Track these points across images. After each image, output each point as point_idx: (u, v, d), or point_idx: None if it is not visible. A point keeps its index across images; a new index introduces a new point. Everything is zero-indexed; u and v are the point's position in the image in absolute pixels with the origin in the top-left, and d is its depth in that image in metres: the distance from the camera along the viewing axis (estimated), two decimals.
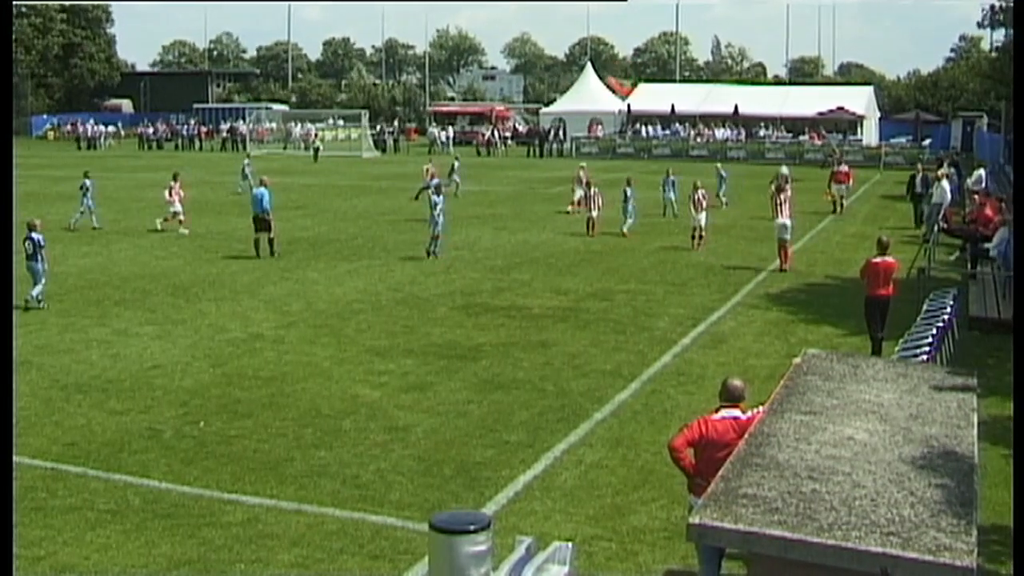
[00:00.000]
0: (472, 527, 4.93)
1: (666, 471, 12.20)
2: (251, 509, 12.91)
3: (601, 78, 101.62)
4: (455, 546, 4.89)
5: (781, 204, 30.96)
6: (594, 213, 37.19)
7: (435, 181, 36.26)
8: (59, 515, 12.76)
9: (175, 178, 39.24)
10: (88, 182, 38.93)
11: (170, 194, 38.32)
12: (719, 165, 46.15)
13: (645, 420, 16.36)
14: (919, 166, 40.11)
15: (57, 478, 13.97)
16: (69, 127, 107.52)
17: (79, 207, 38.57)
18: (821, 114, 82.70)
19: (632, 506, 12.99)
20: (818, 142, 78.53)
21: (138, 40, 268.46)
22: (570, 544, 5.22)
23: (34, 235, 24.60)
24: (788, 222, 30.38)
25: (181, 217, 38.15)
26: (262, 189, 33.00)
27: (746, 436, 8.70)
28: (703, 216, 34.20)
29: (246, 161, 54.25)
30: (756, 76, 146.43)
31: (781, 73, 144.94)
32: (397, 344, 21.10)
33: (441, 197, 32.44)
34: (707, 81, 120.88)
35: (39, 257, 24.62)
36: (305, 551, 11.72)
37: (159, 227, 37.84)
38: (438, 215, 31.71)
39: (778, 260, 30.25)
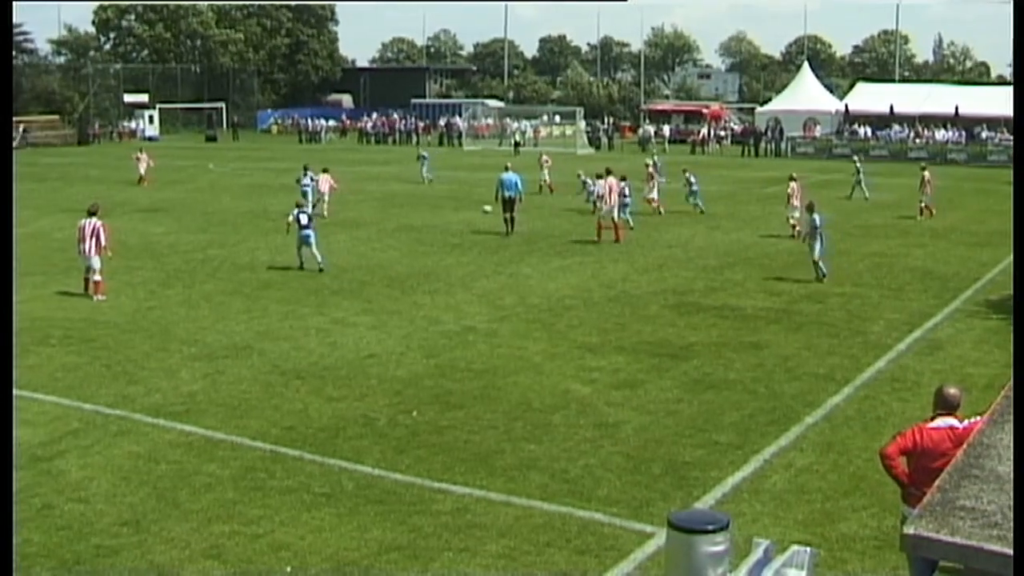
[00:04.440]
0: (711, 527, 4.92)
1: (878, 478, 11.97)
2: (460, 499, 13.11)
3: (819, 77, 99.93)
4: (693, 545, 4.88)
5: (609, 194, 34.75)
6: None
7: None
8: (277, 496, 13.17)
9: (325, 171, 42.11)
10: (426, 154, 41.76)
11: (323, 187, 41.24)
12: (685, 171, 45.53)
13: (858, 426, 16.08)
14: None
15: (276, 460, 14.42)
16: (291, 121, 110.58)
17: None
18: None
19: (842, 513, 12.79)
20: None
21: (359, 38, 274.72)
22: (809, 549, 5.17)
23: (304, 210, 30.11)
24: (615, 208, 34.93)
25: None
26: (512, 174, 36.65)
27: (964, 446, 8.45)
28: (796, 211, 35.40)
29: (424, 154, 57.65)
30: (979, 76, 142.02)
31: (1005, 73, 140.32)
32: (608, 341, 21.15)
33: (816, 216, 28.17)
34: (927, 81, 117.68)
35: (309, 226, 29.20)
36: (512, 542, 11.85)
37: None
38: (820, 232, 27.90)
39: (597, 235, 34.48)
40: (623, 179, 36.58)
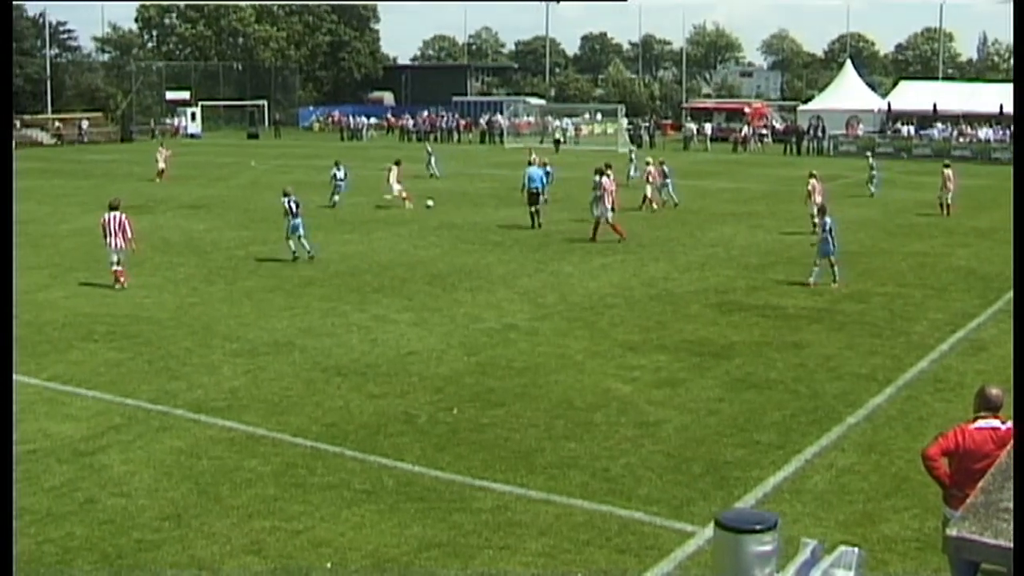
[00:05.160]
0: (759, 527, 4.90)
1: (920, 479, 11.89)
2: (501, 496, 13.12)
3: (861, 75, 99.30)
4: (741, 545, 4.86)
5: (603, 196, 34.19)
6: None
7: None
8: (317, 492, 13.22)
9: (398, 163, 44.37)
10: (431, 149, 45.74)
11: (392, 178, 43.40)
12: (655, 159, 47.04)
13: (900, 426, 15.98)
14: None
15: (316, 456, 14.47)
16: (332, 119, 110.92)
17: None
18: None
19: (884, 514, 12.72)
20: None
21: (400, 35, 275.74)
22: (857, 549, 5.13)
23: (293, 198, 30.02)
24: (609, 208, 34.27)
25: (404, 195, 42.44)
26: (537, 168, 38.55)
27: (1008, 447, 8.41)
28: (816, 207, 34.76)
29: (429, 149, 60.33)
30: None
31: None
32: (650, 339, 21.11)
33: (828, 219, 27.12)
34: (971, 79, 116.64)
35: (298, 214, 29.82)
36: (553, 541, 11.85)
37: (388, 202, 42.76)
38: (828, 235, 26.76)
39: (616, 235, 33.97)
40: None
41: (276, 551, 11.59)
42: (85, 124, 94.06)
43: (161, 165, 55.70)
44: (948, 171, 42.97)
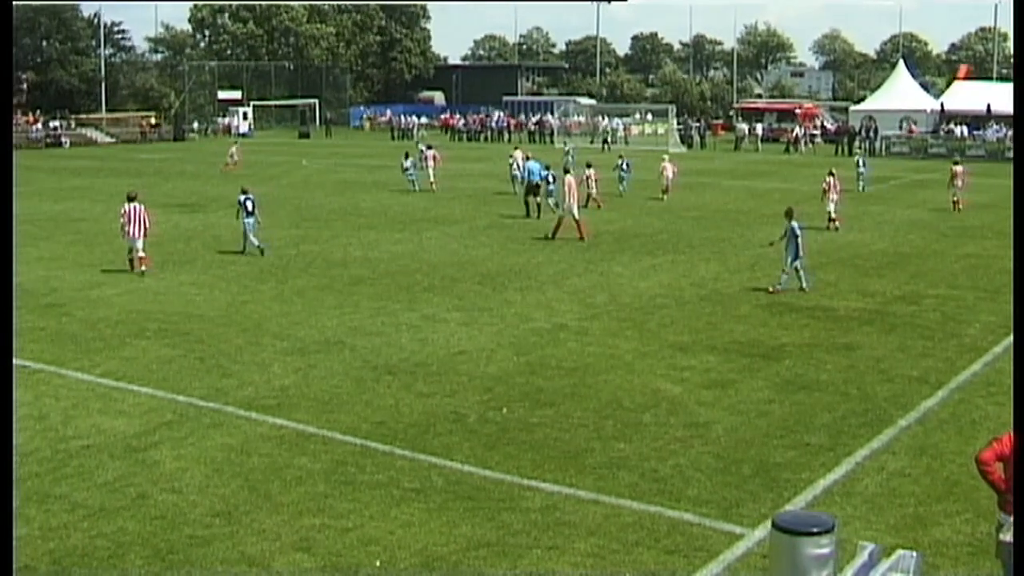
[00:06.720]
0: (815, 529, 4.87)
1: (972, 483, 11.80)
2: (550, 496, 13.12)
3: (914, 76, 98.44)
4: (798, 547, 4.83)
5: (569, 192, 34.53)
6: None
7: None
8: (367, 490, 13.27)
9: (429, 147, 51.64)
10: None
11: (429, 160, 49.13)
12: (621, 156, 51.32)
13: (952, 430, 15.86)
14: None
15: (366, 454, 14.52)
16: (382, 118, 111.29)
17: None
18: None
19: (935, 518, 12.62)
20: None
21: (451, 35, 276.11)
22: (915, 553, 5.08)
23: (250, 196, 31.21)
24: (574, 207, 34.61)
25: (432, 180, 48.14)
26: (535, 163, 41.64)
27: None
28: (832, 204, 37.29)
29: (423, 147, 60.98)
30: None
31: None
32: (700, 340, 21.05)
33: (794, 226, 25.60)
34: None
35: (253, 213, 31.09)
36: (601, 541, 11.83)
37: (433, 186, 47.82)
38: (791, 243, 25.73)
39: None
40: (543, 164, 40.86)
41: (325, 548, 11.64)
42: (185, 130, 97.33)
43: (237, 158, 60.49)
44: (957, 168, 44.06)
